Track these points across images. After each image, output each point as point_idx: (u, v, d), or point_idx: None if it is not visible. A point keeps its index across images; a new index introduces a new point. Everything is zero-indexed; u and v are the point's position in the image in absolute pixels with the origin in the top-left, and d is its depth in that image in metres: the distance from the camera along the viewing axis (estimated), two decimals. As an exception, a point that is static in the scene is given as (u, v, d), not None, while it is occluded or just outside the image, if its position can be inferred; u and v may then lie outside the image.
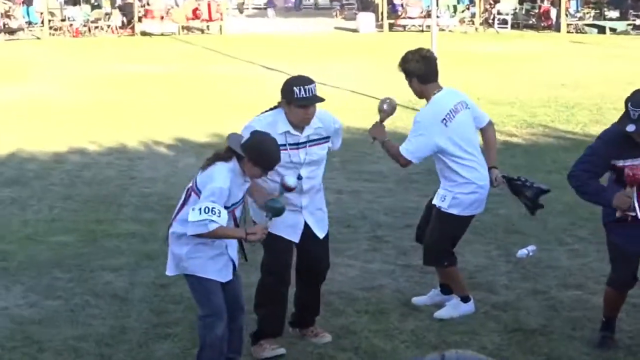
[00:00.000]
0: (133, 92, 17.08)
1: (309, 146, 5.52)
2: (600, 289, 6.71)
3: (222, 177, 4.95)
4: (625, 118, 5.31)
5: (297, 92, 5.34)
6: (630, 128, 5.23)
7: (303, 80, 5.41)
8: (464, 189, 6.06)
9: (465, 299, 6.32)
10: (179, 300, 6.58)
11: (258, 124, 5.41)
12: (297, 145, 5.48)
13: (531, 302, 6.53)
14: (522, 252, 7.45)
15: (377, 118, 6.33)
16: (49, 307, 6.53)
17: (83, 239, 8.16)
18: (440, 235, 6.18)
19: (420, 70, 6.09)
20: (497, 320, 6.17)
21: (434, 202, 6.19)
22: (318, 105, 5.49)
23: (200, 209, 4.85)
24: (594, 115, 14.21)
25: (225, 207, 4.95)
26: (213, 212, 4.83)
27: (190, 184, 5.15)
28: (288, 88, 5.38)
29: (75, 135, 12.97)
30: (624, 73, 18.72)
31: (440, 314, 6.29)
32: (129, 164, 11.28)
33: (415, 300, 6.55)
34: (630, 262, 5.59)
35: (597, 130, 12.84)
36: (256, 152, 4.98)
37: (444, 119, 6.03)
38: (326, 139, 5.65)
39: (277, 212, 5.17)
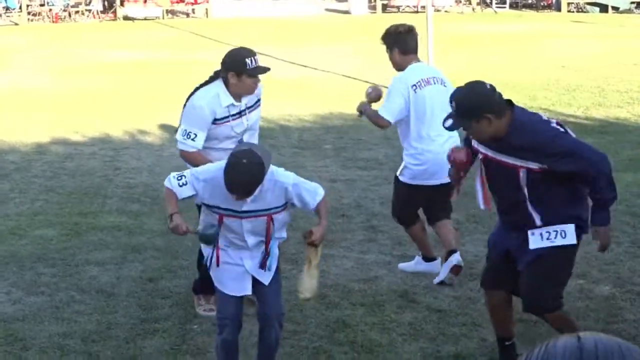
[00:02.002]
0: (116, 79, 16.83)
1: (248, 112, 5.86)
2: (604, 277, 6.59)
3: (208, 168, 4.91)
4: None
5: (249, 63, 5.60)
6: (447, 123, 4.88)
7: (250, 52, 5.70)
8: (412, 160, 6.49)
9: (427, 259, 6.74)
10: (167, 294, 6.41)
11: (203, 99, 5.71)
12: (239, 114, 5.82)
13: (532, 292, 6.35)
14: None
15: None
16: (32, 303, 6.35)
17: (67, 232, 7.95)
18: (396, 199, 6.77)
19: (403, 42, 6.44)
20: (497, 311, 5.99)
21: None
22: None
23: (179, 173, 4.89)
24: (596, 97, 14.03)
25: (211, 206, 4.83)
26: (179, 179, 4.83)
27: None
28: (239, 60, 5.62)
29: (57, 125, 12.73)
30: (627, 53, 18.57)
31: (402, 265, 6.86)
32: (113, 154, 11.06)
33: (401, 265, 6.90)
34: (490, 261, 5.26)
35: (599, 113, 12.72)
36: (225, 173, 4.61)
37: (415, 85, 6.37)
38: (258, 101, 5.97)
39: (205, 239, 4.88)
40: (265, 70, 5.74)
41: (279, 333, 5.05)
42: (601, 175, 4.77)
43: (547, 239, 4.82)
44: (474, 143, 5.02)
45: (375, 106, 6.60)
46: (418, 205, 6.71)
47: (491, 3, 31.52)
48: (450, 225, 6.76)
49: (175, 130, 6.04)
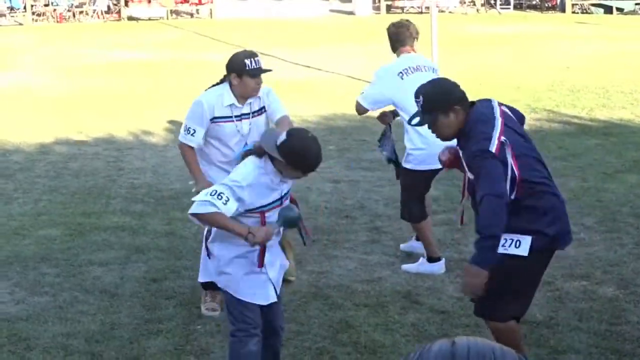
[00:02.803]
0: (120, 80, 16.84)
1: (252, 117, 5.96)
2: (608, 278, 6.57)
3: (245, 171, 4.58)
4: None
5: (249, 64, 5.76)
6: (414, 121, 4.82)
7: (251, 54, 5.86)
8: (412, 145, 6.66)
9: (432, 260, 6.79)
10: (171, 295, 6.40)
11: (206, 97, 5.90)
12: (241, 117, 5.93)
13: (536, 293, 6.33)
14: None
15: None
16: (36, 303, 6.35)
17: (70, 232, 7.95)
18: (403, 189, 6.88)
19: (395, 35, 6.82)
20: (501, 312, 5.98)
21: None
22: None
23: (209, 192, 4.52)
24: (601, 99, 13.99)
25: (254, 208, 4.58)
26: (219, 197, 4.46)
27: None
28: (239, 61, 5.80)
29: (61, 125, 12.74)
30: (631, 55, 18.51)
31: (406, 267, 6.87)
32: (117, 155, 11.06)
33: (405, 267, 6.93)
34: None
35: (603, 114, 12.70)
36: (296, 155, 4.51)
37: (401, 72, 6.64)
38: (263, 108, 6.05)
39: (291, 221, 4.72)
40: (265, 70, 5.87)
41: (282, 339, 5.08)
42: (489, 207, 4.47)
43: (502, 245, 4.58)
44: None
45: None
46: (423, 192, 6.88)
47: (495, 4, 31.48)
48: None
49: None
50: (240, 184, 4.51)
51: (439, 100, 4.69)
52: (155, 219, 8.28)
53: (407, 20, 6.97)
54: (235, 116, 5.90)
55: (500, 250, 4.55)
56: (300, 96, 14.18)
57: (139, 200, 8.99)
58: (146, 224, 8.11)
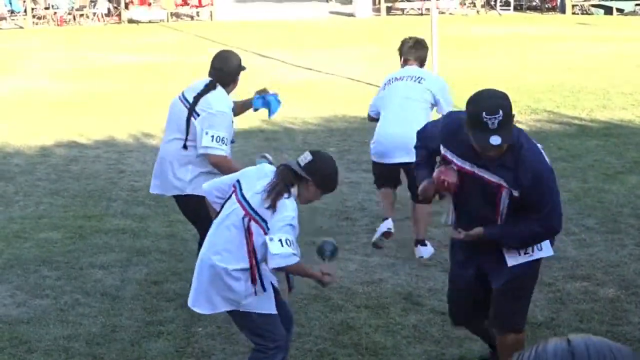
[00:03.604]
0: (121, 82, 16.84)
1: None
2: (609, 279, 6.57)
3: (293, 207, 4.58)
4: (479, 130, 4.23)
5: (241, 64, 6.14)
6: (496, 140, 4.19)
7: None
8: (372, 140, 7.41)
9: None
10: (172, 297, 6.41)
11: (224, 104, 6.00)
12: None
13: (537, 294, 6.30)
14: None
15: None
16: (37, 306, 6.35)
17: (71, 235, 7.95)
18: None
19: (401, 50, 7.39)
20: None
21: None
22: None
23: (280, 240, 4.48)
24: (601, 100, 13.98)
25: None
26: (294, 245, 4.51)
27: (235, 207, 4.67)
28: (238, 61, 6.14)
29: (61, 128, 12.74)
30: (631, 56, 18.51)
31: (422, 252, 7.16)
32: (117, 157, 11.06)
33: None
34: (455, 298, 4.91)
35: (604, 115, 12.70)
36: (327, 176, 4.70)
37: (385, 84, 7.32)
38: None
39: (335, 251, 4.88)
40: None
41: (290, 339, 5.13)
42: (543, 234, 4.48)
43: (525, 253, 4.54)
44: (449, 154, 4.53)
45: None
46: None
47: (495, 5, 31.47)
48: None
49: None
50: (293, 223, 4.55)
51: (511, 111, 4.29)
52: (156, 222, 8.28)
53: (410, 37, 7.46)
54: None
55: (525, 258, 4.53)
56: (300, 98, 14.17)
57: (139, 203, 8.98)
58: (147, 227, 8.11)
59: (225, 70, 6.07)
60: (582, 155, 10.38)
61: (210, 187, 4.96)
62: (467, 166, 4.43)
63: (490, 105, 4.19)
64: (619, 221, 7.93)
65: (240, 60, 6.18)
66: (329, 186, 4.75)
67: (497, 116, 4.14)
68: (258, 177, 4.70)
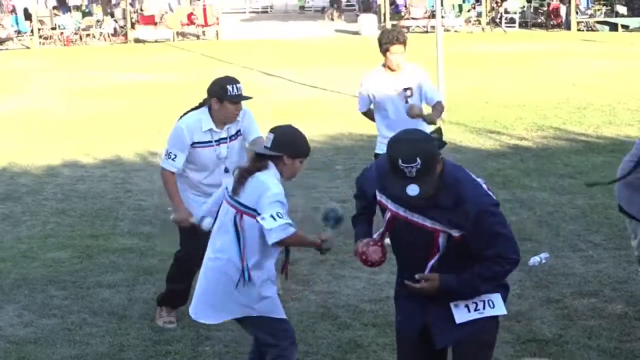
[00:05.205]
0: (127, 102, 16.90)
1: (230, 141, 6.08)
2: (617, 296, 6.55)
3: (274, 182, 4.68)
4: (397, 177, 3.79)
5: (230, 90, 5.87)
6: (413, 190, 3.76)
7: (233, 80, 5.96)
8: (382, 140, 7.56)
9: None
10: (179, 316, 6.39)
11: (186, 122, 6.02)
12: (219, 141, 6.05)
13: (545, 311, 6.34)
14: (534, 259, 7.26)
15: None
16: (44, 325, 6.34)
17: (78, 254, 7.96)
18: None
19: None
20: (509, 330, 5.97)
21: None
22: None
23: (272, 216, 4.57)
24: (607, 116, 13.98)
25: None
26: (286, 217, 4.60)
27: (226, 210, 4.78)
28: (221, 86, 5.90)
29: (68, 147, 12.78)
30: (637, 72, 18.51)
31: None
32: (124, 177, 11.08)
33: None
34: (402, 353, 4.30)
35: (610, 132, 12.70)
36: (290, 143, 4.74)
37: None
38: (239, 132, 6.14)
39: (341, 219, 4.89)
40: (246, 98, 5.99)
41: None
42: (504, 270, 3.99)
43: (475, 309, 4.07)
44: (383, 199, 4.11)
45: None
46: None
47: (501, 23, 31.55)
48: None
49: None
50: (283, 196, 4.66)
51: (435, 155, 3.84)
52: (163, 241, 8.27)
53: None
54: (215, 141, 6.03)
55: (475, 315, 4.06)
56: (306, 116, 14.20)
57: (146, 222, 8.99)
58: (154, 246, 8.11)
59: (208, 90, 6.07)
60: (588, 171, 10.37)
61: (209, 207, 5.19)
62: (401, 211, 4.01)
63: (407, 151, 3.73)
64: (626, 237, 7.89)
65: (222, 86, 5.90)
66: (302, 152, 4.79)
67: (414, 164, 3.72)
68: None
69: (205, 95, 6.07)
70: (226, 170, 5.99)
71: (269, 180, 4.67)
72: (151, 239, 8.37)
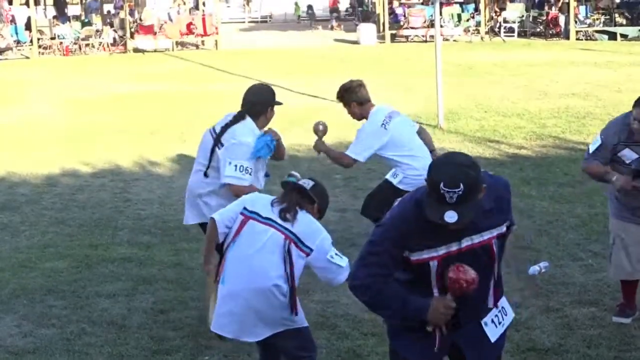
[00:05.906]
0: (127, 111, 16.90)
1: None
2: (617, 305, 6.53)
3: (317, 223, 4.98)
4: (435, 201, 3.57)
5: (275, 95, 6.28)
6: (451, 217, 3.53)
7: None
8: (412, 172, 7.35)
9: None
10: (178, 326, 6.38)
11: (249, 135, 6.11)
12: None
13: (544, 320, 6.33)
14: (533, 268, 7.19)
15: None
16: (43, 335, 6.33)
17: (77, 264, 7.95)
18: (380, 199, 7.39)
19: (361, 95, 7.63)
20: (509, 339, 5.92)
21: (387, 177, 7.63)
22: None
23: (335, 254, 5.02)
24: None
25: None
26: (343, 258, 5.05)
27: (264, 229, 4.87)
28: (271, 94, 6.26)
29: (67, 157, 12.78)
30: (636, 81, 18.51)
31: None
32: (123, 186, 11.08)
33: None
34: None
35: (609, 141, 12.66)
36: (325, 201, 5.06)
37: (383, 123, 7.45)
38: None
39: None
40: (279, 103, 6.37)
41: None
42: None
43: (500, 323, 3.95)
44: (415, 256, 3.75)
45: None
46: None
47: (499, 32, 31.59)
48: None
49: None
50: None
51: (479, 178, 3.61)
52: (162, 250, 8.28)
53: (360, 80, 7.80)
54: None
55: (501, 330, 3.96)
56: (305, 125, 14.19)
57: (146, 232, 8.99)
58: (153, 255, 8.10)
59: (254, 101, 6.20)
60: (588, 180, 10.33)
61: (221, 217, 5.05)
62: (454, 247, 3.72)
63: (451, 176, 3.51)
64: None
65: (272, 93, 6.27)
66: (324, 211, 5.09)
67: (457, 190, 3.49)
68: (271, 202, 4.98)
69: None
70: (267, 175, 6.36)
71: (313, 219, 4.94)
72: (150, 248, 8.37)
